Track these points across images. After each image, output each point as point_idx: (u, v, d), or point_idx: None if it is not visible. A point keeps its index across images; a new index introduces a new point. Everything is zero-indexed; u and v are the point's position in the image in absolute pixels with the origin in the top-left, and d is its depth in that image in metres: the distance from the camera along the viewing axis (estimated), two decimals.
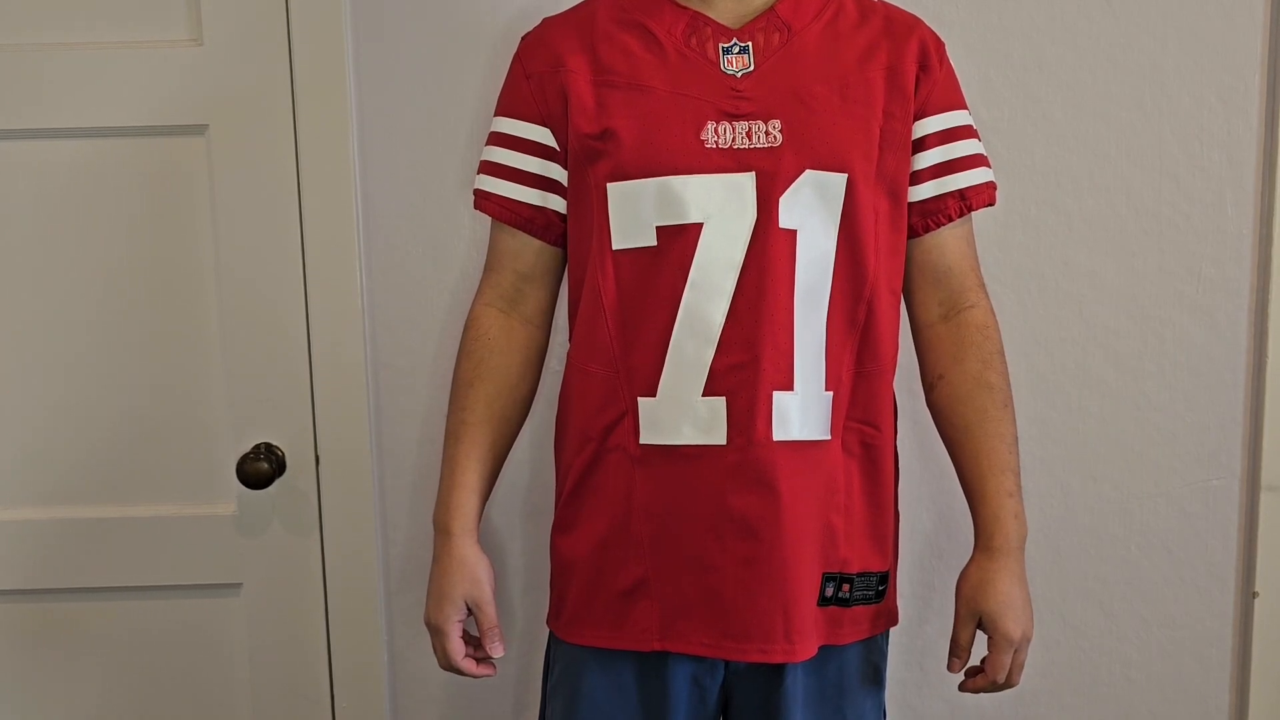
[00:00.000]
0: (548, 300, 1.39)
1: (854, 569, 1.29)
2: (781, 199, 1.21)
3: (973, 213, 1.33)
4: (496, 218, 1.35)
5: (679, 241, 1.22)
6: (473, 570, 1.32)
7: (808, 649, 1.27)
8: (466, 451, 1.33)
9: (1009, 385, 1.34)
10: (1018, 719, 1.72)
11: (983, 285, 1.37)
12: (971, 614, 1.31)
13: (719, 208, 1.21)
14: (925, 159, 1.29)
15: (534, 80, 1.29)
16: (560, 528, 1.35)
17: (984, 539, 1.31)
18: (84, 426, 1.65)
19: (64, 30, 1.57)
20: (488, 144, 1.35)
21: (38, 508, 1.67)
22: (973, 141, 1.32)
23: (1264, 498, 1.65)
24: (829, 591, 1.29)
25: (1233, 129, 1.59)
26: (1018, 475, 1.32)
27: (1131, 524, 1.68)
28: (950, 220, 1.31)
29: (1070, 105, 1.59)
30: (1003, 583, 1.29)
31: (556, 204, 1.33)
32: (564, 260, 1.36)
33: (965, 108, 1.32)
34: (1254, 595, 1.67)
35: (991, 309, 1.36)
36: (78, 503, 1.67)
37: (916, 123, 1.28)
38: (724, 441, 1.23)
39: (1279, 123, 1.58)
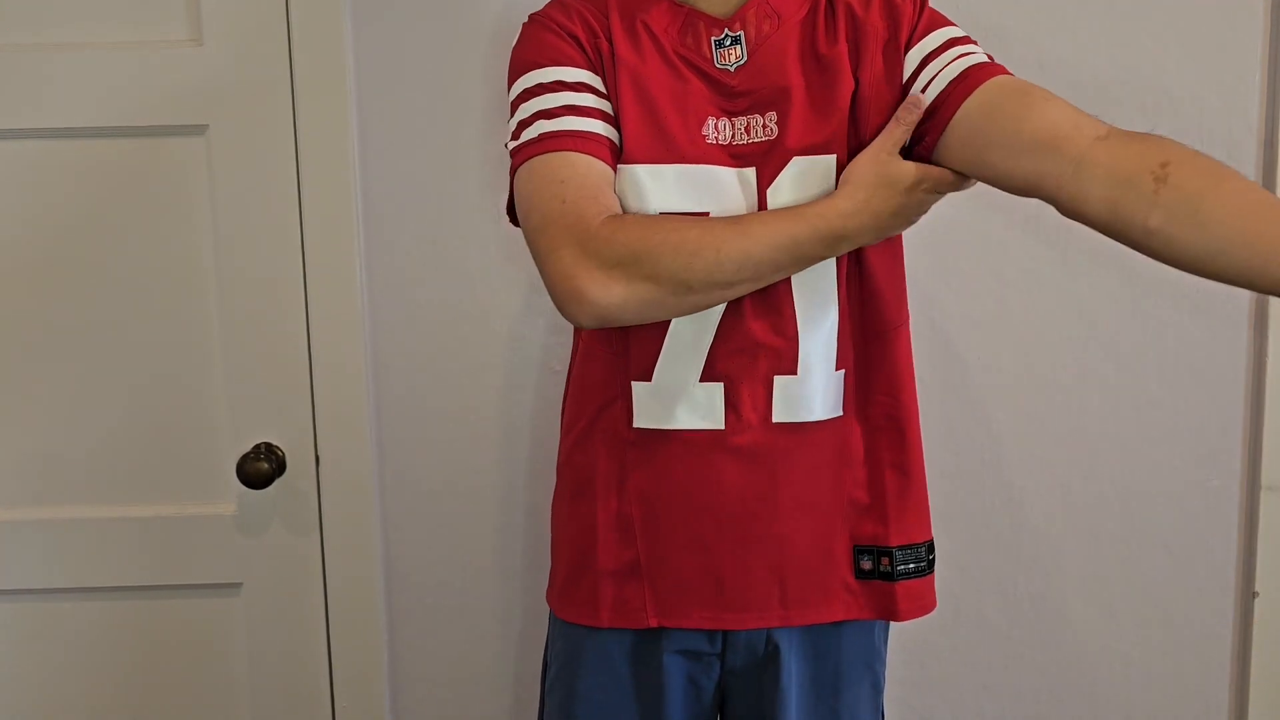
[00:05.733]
0: None
1: (893, 542, 1.28)
2: (769, 189, 1.20)
3: (1016, 78, 1.17)
4: (596, 155, 1.17)
5: None
6: None
7: (807, 615, 1.27)
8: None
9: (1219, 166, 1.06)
10: (1018, 718, 1.72)
11: (1100, 123, 1.11)
12: None
13: (720, 201, 1.20)
14: (921, 79, 1.20)
15: (575, 40, 1.22)
16: (555, 504, 1.36)
17: None
18: (84, 426, 1.65)
19: (64, 30, 1.57)
20: (548, 92, 1.19)
21: (38, 508, 1.67)
22: (964, 45, 1.20)
23: (1264, 498, 1.65)
24: (865, 565, 1.29)
25: (1233, 129, 1.59)
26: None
27: (1131, 524, 1.68)
28: (979, 82, 1.15)
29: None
30: None
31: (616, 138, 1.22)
32: None
33: (952, 25, 1.23)
34: (1254, 595, 1.67)
35: (1131, 133, 1.09)
36: (78, 503, 1.67)
37: (910, 52, 1.21)
38: (722, 426, 1.23)
39: (1279, 123, 1.58)
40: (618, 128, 1.20)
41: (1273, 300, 1.60)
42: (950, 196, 1.22)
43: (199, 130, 1.59)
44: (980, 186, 1.20)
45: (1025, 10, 1.58)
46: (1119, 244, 1.66)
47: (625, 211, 1.18)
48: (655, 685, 1.30)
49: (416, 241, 1.63)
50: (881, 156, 1.17)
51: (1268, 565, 1.66)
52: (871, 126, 1.21)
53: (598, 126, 1.19)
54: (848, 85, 1.21)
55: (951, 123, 1.16)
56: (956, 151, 1.17)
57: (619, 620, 1.28)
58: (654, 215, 1.17)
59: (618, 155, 1.20)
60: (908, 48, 1.22)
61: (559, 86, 1.20)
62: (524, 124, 1.19)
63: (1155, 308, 1.63)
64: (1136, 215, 1.05)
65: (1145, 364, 1.64)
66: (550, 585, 1.36)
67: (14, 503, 1.67)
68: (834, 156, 1.21)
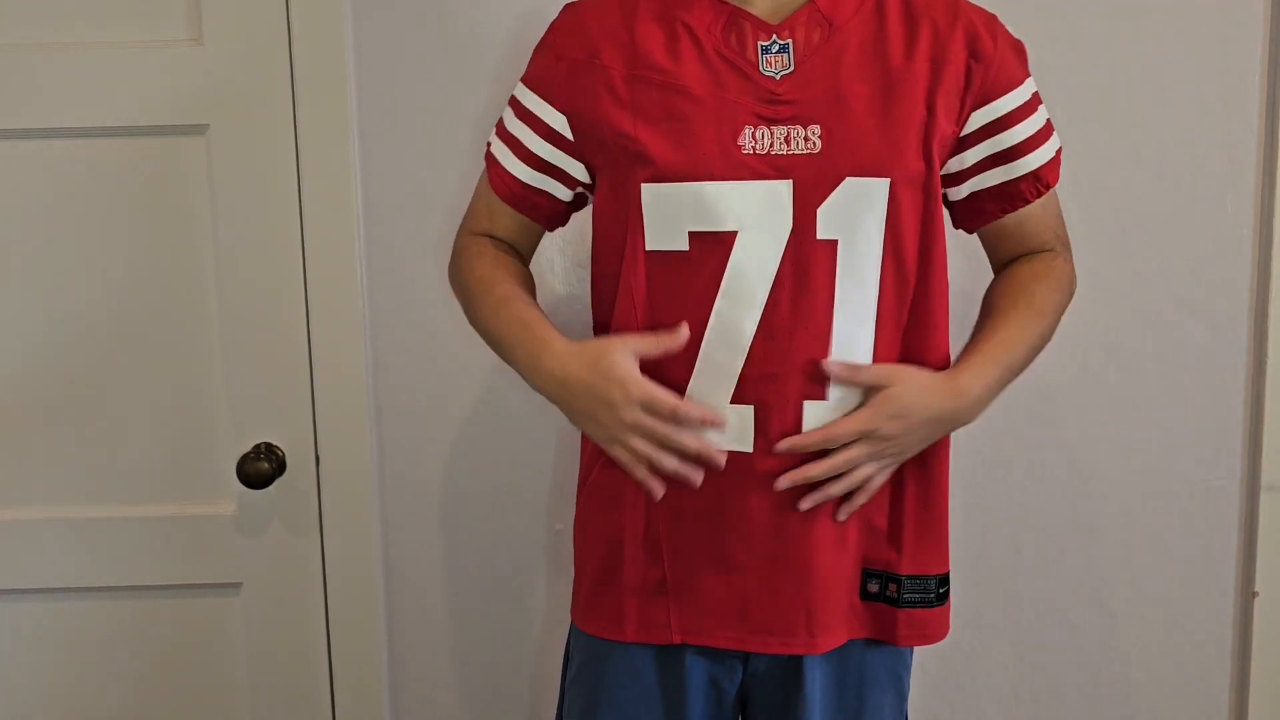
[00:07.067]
0: (527, 260, 1.39)
1: (904, 570, 1.27)
2: (820, 209, 1.18)
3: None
4: (492, 186, 1.34)
5: (713, 248, 1.19)
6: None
7: (829, 642, 1.27)
8: (530, 307, 1.29)
9: (1054, 314, 1.31)
10: (1018, 719, 1.72)
11: (1066, 245, 1.35)
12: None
13: (755, 217, 1.18)
14: (995, 144, 1.24)
15: (565, 64, 1.24)
16: (579, 519, 1.34)
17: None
18: (84, 426, 1.65)
19: (64, 30, 1.57)
20: (509, 105, 1.32)
21: (38, 508, 1.67)
22: (1037, 116, 1.27)
23: (1264, 498, 1.65)
24: (872, 588, 1.28)
25: (1232, 129, 1.59)
26: (1009, 370, 1.27)
27: (1131, 524, 1.68)
28: (1027, 202, 1.29)
29: (1070, 105, 1.59)
30: (925, 386, 1.21)
31: (554, 188, 1.30)
32: (540, 237, 1.38)
33: (1027, 76, 1.27)
34: (1254, 595, 1.67)
35: (1072, 267, 1.35)
36: (78, 503, 1.67)
37: (977, 111, 1.23)
38: (751, 449, 1.21)
39: (1279, 123, 1.58)
40: (561, 175, 1.30)
41: (1273, 300, 1.61)
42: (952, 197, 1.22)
43: (199, 130, 1.59)
44: None
45: (1025, 10, 1.57)
46: (1119, 245, 1.67)
47: (651, 232, 1.21)
48: (678, 685, 1.29)
49: (416, 241, 1.63)
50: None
51: (1268, 565, 1.66)
52: (938, 157, 1.22)
53: (520, 171, 1.31)
54: (917, 105, 1.19)
55: (983, 229, 1.33)
56: (965, 220, 1.34)
57: (644, 635, 1.28)
58: (490, 259, 1.34)
59: (536, 203, 1.32)
60: (977, 102, 1.23)
61: (526, 115, 1.30)
62: (496, 130, 1.34)
63: (1155, 308, 1.63)
64: None
65: (1145, 364, 1.64)
66: (575, 599, 1.35)
67: (14, 503, 1.67)
68: (887, 180, 1.19)
